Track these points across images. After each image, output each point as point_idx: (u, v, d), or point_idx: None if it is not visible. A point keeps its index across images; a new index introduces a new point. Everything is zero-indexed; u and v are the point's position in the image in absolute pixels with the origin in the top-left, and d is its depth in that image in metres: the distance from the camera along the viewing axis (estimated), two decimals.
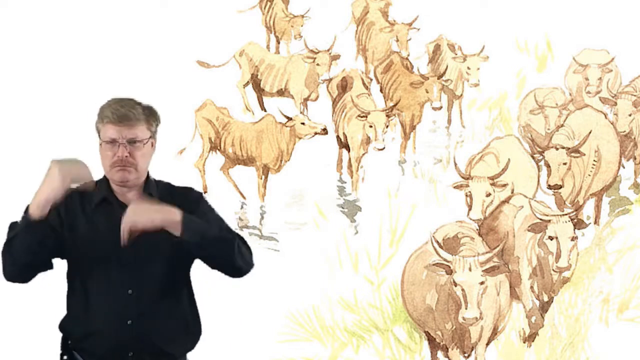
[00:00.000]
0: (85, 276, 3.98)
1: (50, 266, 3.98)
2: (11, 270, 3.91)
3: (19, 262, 3.89)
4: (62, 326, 4.12)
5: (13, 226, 3.92)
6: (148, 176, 4.07)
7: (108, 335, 3.96)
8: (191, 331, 4.14)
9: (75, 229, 3.96)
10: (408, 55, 10.83)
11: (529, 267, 6.41)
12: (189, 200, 4.05)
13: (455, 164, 7.32)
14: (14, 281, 3.96)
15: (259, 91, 10.71)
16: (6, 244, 3.88)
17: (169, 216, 3.81)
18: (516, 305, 6.56)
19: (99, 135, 3.98)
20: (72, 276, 4.05)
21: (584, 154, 7.80)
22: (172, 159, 9.08)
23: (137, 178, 3.99)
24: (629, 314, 7.19)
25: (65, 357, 4.10)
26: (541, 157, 7.72)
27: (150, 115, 4.00)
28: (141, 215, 3.78)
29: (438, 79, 9.72)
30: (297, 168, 9.18)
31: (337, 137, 9.48)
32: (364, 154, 9.17)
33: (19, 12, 12.65)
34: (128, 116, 3.91)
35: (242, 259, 3.96)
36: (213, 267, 3.97)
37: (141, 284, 3.97)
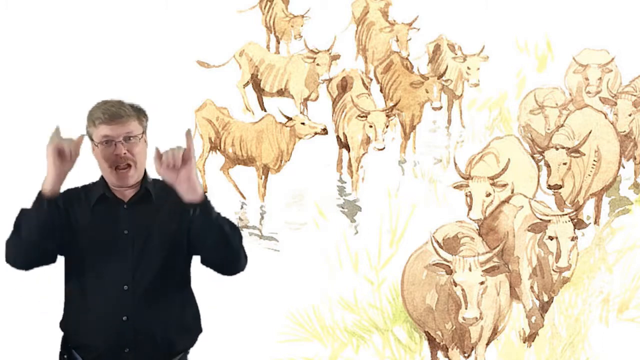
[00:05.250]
0: (83, 273, 3.99)
1: (53, 259, 3.99)
2: (16, 252, 3.90)
3: (26, 242, 3.87)
4: (61, 324, 4.13)
5: (22, 211, 3.95)
6: (145, 173, 4.09)
7: (104, 332, 3.97)
8: (189, 329, 4.15)
9: (74, 225, 3.97)
10: (408, 55, 10.83)
11: (529, 267, 6.41)
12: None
13: (455, 164, 7.32)
14: (16, 265, 3.94)
15: (259, 91, 10.71)
16: (15, 226, 3.88)
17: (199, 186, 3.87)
18: (516, 305, 6.56)
19: (92, 139, 3.99)
20: (69, 273, 4.06)
21: (584, 154, 7.80)
22: None
23: (137, 178, 4.01)
24: (629, 314, 7.18)
25: (65, 356, 4.10)
26: (541, 157, 7.72)
27: (139, 111, 4.04)
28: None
29: (438, 79, 9.72)
30: (297, 168, 9.18)
31: (337, 137, 9.48)
32: (364, 154, 9.17)
33: (20, 12, 12.65)
34: (120, 113, 3.95)
35: (245, 259, 4.00)
36: (214, 259, 3.98)
37: (137, 280, 3.97)
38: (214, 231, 3.89)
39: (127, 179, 3.97)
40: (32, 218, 3.86)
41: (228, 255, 3.96)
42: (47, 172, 3.86)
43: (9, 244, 3.92)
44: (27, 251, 3.91)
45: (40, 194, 3.86)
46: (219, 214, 3.90)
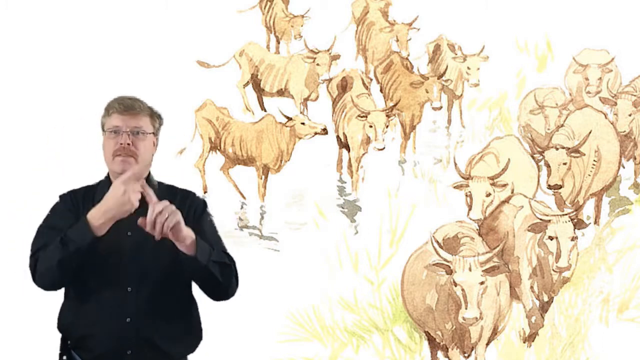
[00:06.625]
0: (85, 274, 3.98)
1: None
2: (59, 281, 3.93)
3: (68, 276, 3.90)
4: (60, 325, 4.12)
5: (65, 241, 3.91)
6: (149, 174, 4.08)
7: (107, 333, 3.96)
8: (191, 333, 4.14)
9: None
10: (408, 55, 10.83)
11: (529, 267, 6.41)
12: (191, 206, 4.06)
13: (455, 164, 7.33)
14: (49, 290, 3.98)
15: (259, 91, 10.71)
16: (61, 260, 3.85)
17: (190, 232, 3.85)
18: (516, 305, 6.56)
19: (104, 129, 4.02)
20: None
21: (584, 154, 7.81)
22: (172, 159, 9.08)
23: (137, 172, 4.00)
24: (629, 314, 7.19)
25: (64, 358, 4.10)
26: (541, 157, 7.72)
27: (154, 113, 4.10)
28: (173, 216, 3.78)
29: (438, 79, 9.72)
30: (297, 168, 9.18)
31: (337, 137, 9.48)
32: (364, 154, 9.17)
33: (19, 12, 12.64)
34: (133, 106, 4.02)
35: (235, 286, 4.05)
36: (204, 289, 4.03)
37: (141, 282, 3.97)
38: (201, 275, 3.95)
39: (126, 168, 3.95)
40: (80, 256, 3.84)
41: (214, 291, 4.03)
42: (106, 207, 3.80)
43: (53, 274, 3.89)
44: (65, 283, 3.96)
45: (93, 235, 3.82)
46: (210, 257, 3.90)
